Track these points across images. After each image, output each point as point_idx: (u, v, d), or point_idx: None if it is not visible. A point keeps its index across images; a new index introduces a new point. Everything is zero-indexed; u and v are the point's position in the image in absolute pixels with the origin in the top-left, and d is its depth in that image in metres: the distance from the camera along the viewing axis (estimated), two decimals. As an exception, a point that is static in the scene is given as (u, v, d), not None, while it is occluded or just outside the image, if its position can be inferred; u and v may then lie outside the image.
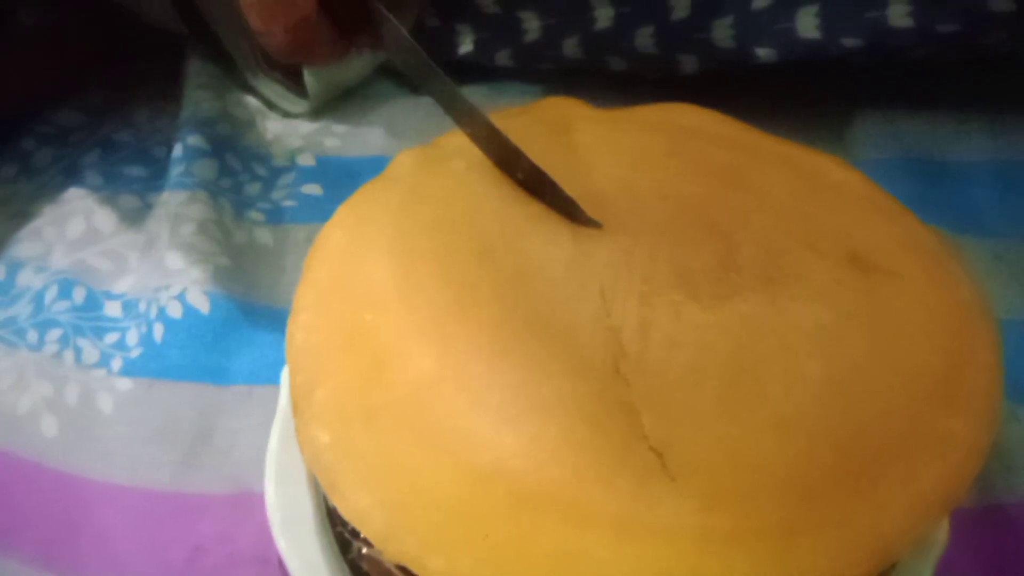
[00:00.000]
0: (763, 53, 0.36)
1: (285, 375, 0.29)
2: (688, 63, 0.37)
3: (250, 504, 0.29)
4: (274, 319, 0.33)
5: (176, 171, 0.35)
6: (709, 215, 0.26)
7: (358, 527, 0.22)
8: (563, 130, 0.29)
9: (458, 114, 0.27)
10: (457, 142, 0.30)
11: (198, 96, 0.38)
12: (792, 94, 0.37)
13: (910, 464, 0.22)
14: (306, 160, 0.38)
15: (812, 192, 0.27)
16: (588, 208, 0.26)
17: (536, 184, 0.26)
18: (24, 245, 0.35)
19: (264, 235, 0.35)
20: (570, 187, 0.26)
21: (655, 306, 0.24)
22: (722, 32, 0.36)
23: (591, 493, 0.21)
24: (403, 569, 0.23)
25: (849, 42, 0.34)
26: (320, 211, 0.36)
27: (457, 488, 0.21)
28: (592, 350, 0.23)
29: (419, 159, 0.29)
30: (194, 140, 0.36)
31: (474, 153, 0.28)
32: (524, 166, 0.26)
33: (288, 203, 0.36)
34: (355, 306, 0.25)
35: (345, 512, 0.22)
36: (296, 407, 0.24)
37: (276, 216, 0.36)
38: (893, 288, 0.24)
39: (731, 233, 0.25)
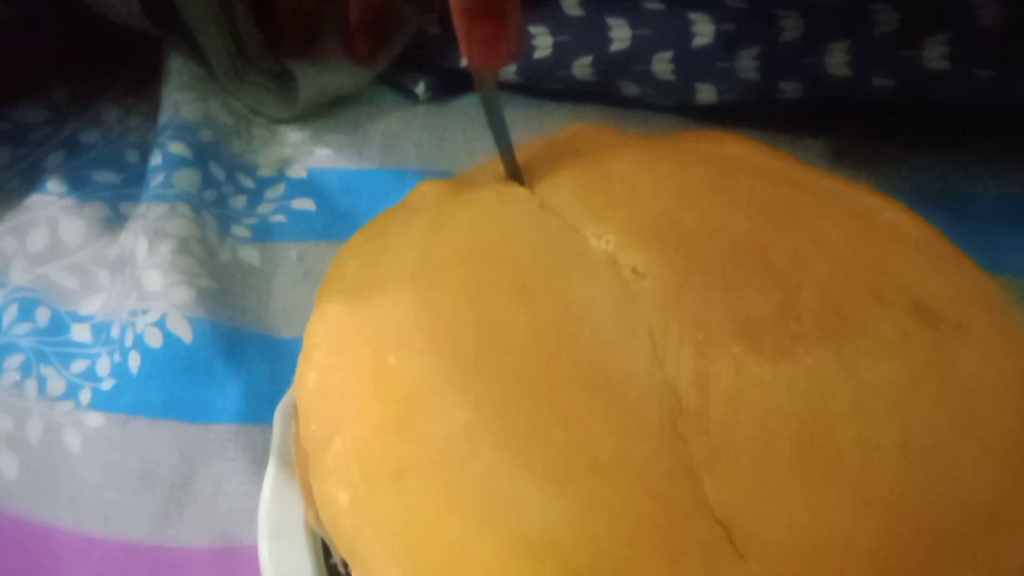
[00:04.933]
0: (788, 88, 0.34)
1: (278, 414, 0.27)
2: (706, 93, 0.35)
3: (238, 559, 0.26)
4: (262, 348, 0.30)
5: (155, 181, 0.32)
6: (763, 255, 0.24)
7: (383, 604, 0.19)
8: (598, 159, 0.27)
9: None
10: (484, 174, 0.27)
11: (178, 98, 0.35)
12: (809, 124, 0.36)
13: (995, 542, 0.20)
14: (296, 172, 0.35)
15: (867, 233, 0.25)
16: (632, 242, 0.23)
17: None
18: None
19: (250, 254, 0.32)
20: (611, 218, 0.24)
21: (713, 357, 0.21)
22: (746, 63, 0.34)
23: (652, 571, 0.18)
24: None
25: (880, 82, 0.33)
26: (312, 228, 0.33)
27: (500, 563, 0.19)
28: (646, 404, 0.21)
29: (444, 189, 0.27)
30: (175, 147, 0.33)
31: (503, 185, 0.26)
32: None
33: (277, 218, 0.33)
34: (376, 346, 0.22)
35: (367, 584, 0.20)
36: (309, 459, 0.22)
37: (264, 233, 0.33)
38: (962, 342, 0.23)
39: (788, 276, 0.23)
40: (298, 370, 0.23)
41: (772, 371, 0.21)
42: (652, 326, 0.22)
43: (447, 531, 0.19)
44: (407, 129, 0.37)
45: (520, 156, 0.28)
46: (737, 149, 0.28)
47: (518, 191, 0.26)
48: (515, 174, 0.27)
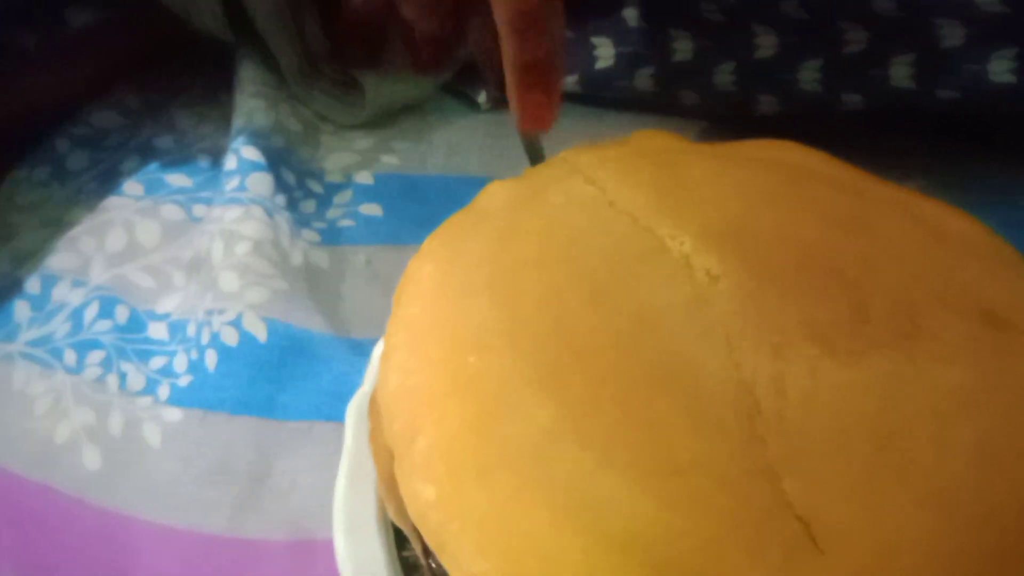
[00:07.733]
0: (850, 99, 0.34)
1: (350, 411, 0.27)
2: (767, 104, 0.36)
3: (312, 553, 0.27)
4: (333, 348, 0.30)
5: (229, 185, 0.33)
6: (833, 262, 0.24)
7: (474, 595, 0.20)
8: (667, 163, 0.27)
9: None
10: (549, 174, 0.28)
11: (252, 105, 0.36)
12: (867, 134, 0.36)
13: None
14: (363, 178, 0.36)
15: (934, 241, 0.26)
16: (707, 245, 0.24)
17: None
18: (60, 256, 0.33)
19: (320, 257, 0.33)
20: (686, 221, 0.25)
21: (789, 360, 0.22)
22: (808, 75, 0.34)
23: (735, 566, 0.19)
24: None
25: (945, 95, 0.33)
26: (380, 233, 0.34)
27: (585, 556, 0.19)
28: (724, 405, 0.21)
29: (512, 191, 0.27)
30: (249, 152, 0.34)
31: (572, 187, 0.27)
32: None
33: (345, 223, 0.34)
34: (456, 347, 0.23)
35: (458, 576, 0.20)
36: (393, 457, 0.22)
37: (332, 237, 0.34)
38: (1033, 349, 0.23)
39: (858, 282, 0.24)
40: (380, 371, 0.24)
41: (847, 374, 0.22)
42: (728, 328, 0.22)
43: (533, 526, 0.20)
44: (470, 137, 0.37)
45: (586, 155, 0.28)
46: (801, 158, 0.28)
47: (585, 190, 0.26)
48: None
